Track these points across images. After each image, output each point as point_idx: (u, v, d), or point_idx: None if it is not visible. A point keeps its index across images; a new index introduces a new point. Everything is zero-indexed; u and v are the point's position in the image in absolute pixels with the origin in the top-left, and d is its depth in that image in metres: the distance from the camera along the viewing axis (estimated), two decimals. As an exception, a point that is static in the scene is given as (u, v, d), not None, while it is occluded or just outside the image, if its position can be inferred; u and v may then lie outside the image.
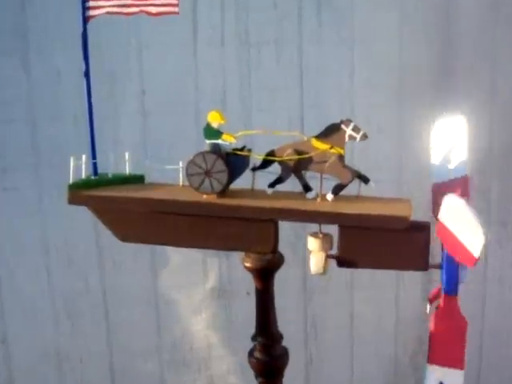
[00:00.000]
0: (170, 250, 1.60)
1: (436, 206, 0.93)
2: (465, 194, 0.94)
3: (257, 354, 1.10)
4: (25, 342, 1.65)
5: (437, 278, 1.16)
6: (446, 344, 0.96)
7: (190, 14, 1.52)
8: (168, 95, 1.53)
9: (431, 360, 0.97)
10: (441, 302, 0.97)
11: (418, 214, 0.96)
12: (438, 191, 0.96)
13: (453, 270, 0.96)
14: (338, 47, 1.56)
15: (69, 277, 1.63)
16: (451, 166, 0.97)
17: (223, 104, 1.55)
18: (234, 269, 1.60)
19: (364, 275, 1.58)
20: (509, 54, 1.61)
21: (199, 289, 1.69)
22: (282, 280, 1.62)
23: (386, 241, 0.96)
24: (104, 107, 1.45)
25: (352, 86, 1.58)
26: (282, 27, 1.54)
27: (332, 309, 1.71)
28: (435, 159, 0.98)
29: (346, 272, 1.65)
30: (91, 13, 1.00)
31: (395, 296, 1.71)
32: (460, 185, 0.96)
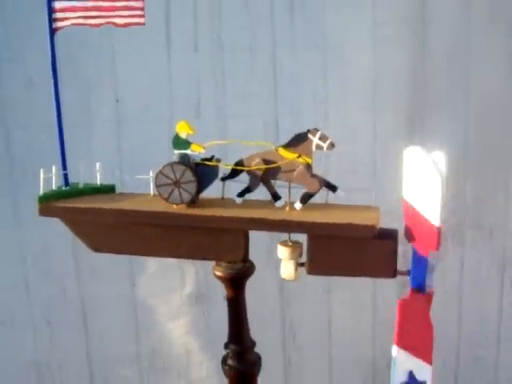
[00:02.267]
0: (146, 257, 1.62)
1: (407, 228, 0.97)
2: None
3: (230, 362, 1.11)
4: (5, 352, 1.65)
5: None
6: (413, 336, 0.98)
7: (163, 21, 1.53)
8: (142, 103, 1.54)
9: (399, 343, 0.98)
10: (408, 295, 1.00)
11: (387, 220, 0.98)
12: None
13: (420, 264, 0.98)
14: (311, 53, 1.58)
15: (46, 286, 1.63)
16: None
17: (198, 111, 1.56)
18: (211, 274, 1.60)
19: (341, 278, 1.62)
20: (482, 56, 1.63)
21: (177, 295, 1.70)
22: (260, 285, 1.65)
23: (354, 248, 0.97)
24: (78, 116, 1.48)
25: (326, 91, 1.59)
26: (256, 34, 1.55)
27: (309, 312, 1.73)
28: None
29: (324, 277, 1.68)
30: (58, 24, 1.01)
31: (372, 299, 1.73)
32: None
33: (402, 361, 0.98)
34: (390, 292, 1.72)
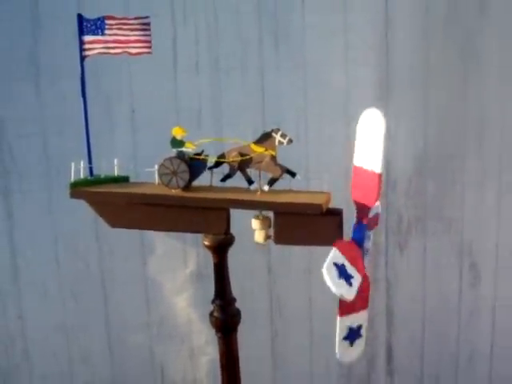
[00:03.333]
0: (156, 240, 1.82)
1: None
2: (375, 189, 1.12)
3: (215, 314, 1.33)
4: (37, 317, 1.85)
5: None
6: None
7: (171, 48, 1.73)
8: (153, 114, 1.73)
9: (341, 313, 1.14)
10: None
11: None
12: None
13: (361, 230, 1.16)
14: (292, 72, 1.76)
15: (73, 262, 1.83)
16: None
17: (199, 121, 1.76)
18: (210, 256, 1.82)
19: (321, 262, 1.77)
20: (439, 72, 1.79)
21: (181, 273, 1.88)
22: (251, 266, 1.88)
23: (309, 223, 1.19)
24: (101, 123, 1.68)
25: (305, 103, 1.78)
26: (247, 56, 1.75)
27: (293, 290, 1.89)
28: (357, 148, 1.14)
29: (305, 260, 1.87)
30: (87, 53, 1.26)
31: None
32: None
33: (343, 324, 1.13)
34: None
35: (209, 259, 1.83)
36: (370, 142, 1.11)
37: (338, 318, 1.14)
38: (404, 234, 1.92)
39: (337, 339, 1.15)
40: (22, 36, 1.71)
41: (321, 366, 1.98)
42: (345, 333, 1.16)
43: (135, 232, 1.64)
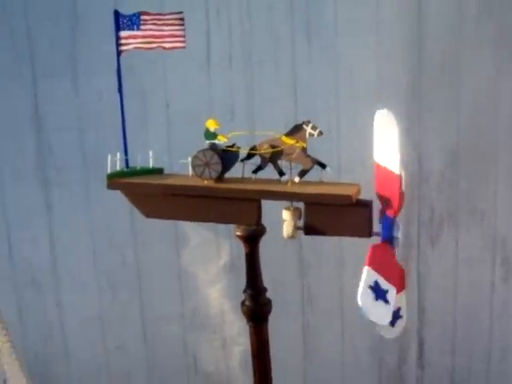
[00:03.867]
0: (190, 232, 1.86)
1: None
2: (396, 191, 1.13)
3: (247, 303, 1.34)
4: (75, 307, 1.90)
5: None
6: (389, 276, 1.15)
7: (205, 43, 1.77)
8: (187, 108, 1.77)
9: (369, 263, 1.13)
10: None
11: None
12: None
13: (388, 223, 1.17)
14: (324, 66, 1.78)
15: (109, 254, 1.87)
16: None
17: (232, 113, 1.79)
18: (243, 247, 1.83)
19: (352, 253, 1.69)
20: (471, 67, 1.79)
21: (214, 264, 1.91)
22: (282, 257, 1.90)
23: (338, 214, 1.20)
24: (137, 117, 1.74)
25: (337, 96, 1.79)
26: (279, 50, 1.77)
27: (324, 282, 1.91)
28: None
29: (336, 250, 1.89)
30: (123, 48, 1.29)
31: None
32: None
33: (371, 274, 1.12)
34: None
35: (241, 250, 1.85)
36: (386, 143, 1.12)
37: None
38: (436, 227, 1.93)
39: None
40: (61, 36, 1.76)
41: (352, 356, 2.00)
42: (370, 282, 1.13)
43: (169, 224, 1.68)
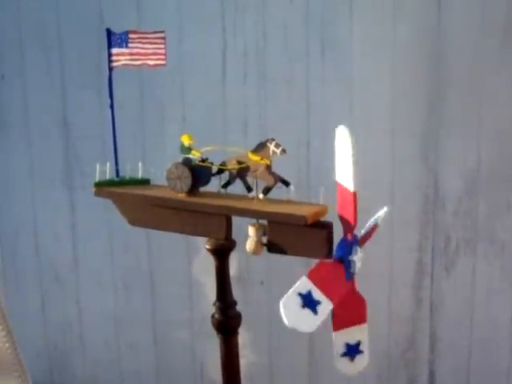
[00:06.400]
0: (200, 241, 1.93)
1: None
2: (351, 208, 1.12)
3: (216, 316, 1.40)
4: (92, 305, 2.01)
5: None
6: (346, 308, 1.14)
7: (221, 60, 1.82)
8: (203, 122, 1.83)
9: (335, 328, 1.14)
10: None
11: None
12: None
13: (341, 243, 1.15)
14: (338, 85, 1.77)
15: (125, 258, 1.97)
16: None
17: (245, 130, 1.82)
18: (250, 261, 1.82)
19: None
20: (494, 87, 1.71)
21: None
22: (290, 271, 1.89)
23: (297, 234, 1.20)
24: (154, 129, 1.83)
25: (351, 117, 1.78)
26: (293, 68, 1.79)
27: None
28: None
29: None
30: (114, 64, 1.37)
31: (388, 298, 1.87)
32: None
33: (339, 339, 1.14)
34: (404, 290, 1.91)
35: (249, 264, 1.87)
36: (343, 160, 1.12)
37: (333, 333, 1.16)
38: (451, 255, 1.85)
39: (334, 355, 1.16)
40: (89, 49, 1.88)
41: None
42: (342, 349, 1.18)
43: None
